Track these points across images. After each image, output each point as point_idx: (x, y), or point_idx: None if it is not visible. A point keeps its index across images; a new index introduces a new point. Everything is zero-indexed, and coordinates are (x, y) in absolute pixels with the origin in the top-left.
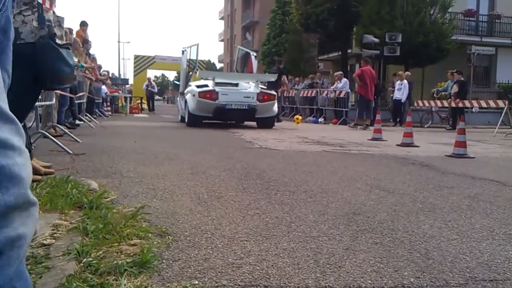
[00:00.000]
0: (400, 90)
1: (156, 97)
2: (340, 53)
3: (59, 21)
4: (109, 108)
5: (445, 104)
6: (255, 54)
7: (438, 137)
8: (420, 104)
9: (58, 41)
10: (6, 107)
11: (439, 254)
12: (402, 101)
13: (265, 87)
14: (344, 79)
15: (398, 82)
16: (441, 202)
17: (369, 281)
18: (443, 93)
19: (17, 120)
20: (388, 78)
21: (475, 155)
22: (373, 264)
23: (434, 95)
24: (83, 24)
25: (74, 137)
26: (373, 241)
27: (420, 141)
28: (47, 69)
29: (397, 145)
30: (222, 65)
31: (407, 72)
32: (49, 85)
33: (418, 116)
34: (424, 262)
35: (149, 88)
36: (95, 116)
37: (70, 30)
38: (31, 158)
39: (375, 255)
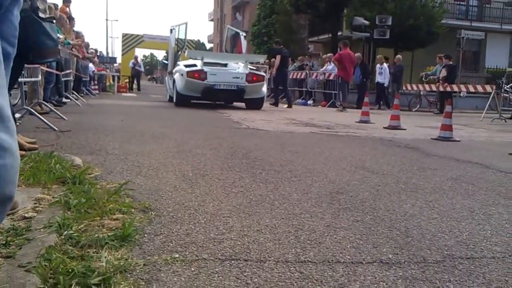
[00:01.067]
0: (382, 74)
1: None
2: (330, 35)
3: None
4: (96, 87)
5: (434, 88)
6: (244, 34)
7: (425, 120)
8: (409, 88)
9: (41, 14)
10: (5, 103)
11: (418, 232)
12: (385, 84)
13: (255, 68)
14: None
15: (378, 65)
16: (424, 183)
17: (348, 257)
18: (431, 77)
19: (11, 117)
20: (376, 62)
21: (461, 138)
22: (353, 241)
23: (423, 79)
24: (67, 1)
25: (60, 114)
26: (354, 219)
27: (407, 124)
28: (30, 42)
29: (384, 127)
30: (211, 45)
31: (398, 56)
32: (32, 59)
33: (407, 99)
34: (403, 239)
35: (135, 67)
36: (82, 94)
37: (56, 6)
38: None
39: (355, 232)
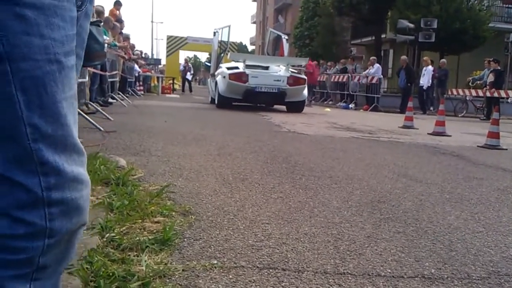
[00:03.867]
0: (424, 77)
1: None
2: (373, 38)
3: None
4: (141, 88)
5: (480, 93)
6: (286, 37)
7: (471, 127)
8: (454, 92)
9: None
10: (76, 136)
11: (462, 246)
12: (424, 87)
13: (296, 71)
14: (377, 65)
15: (424, 68)
16: (469, 194)
17: (389, 270)
18: (478, 82)
19: (82, 148)
20: (421, 65)
21: (508, 147)
22: (394, 253)
23: (470, 83)
24: (117, 4)
25: (106, 114)
26: (396, 230)
27: (453, 130)
28: None
29: (429, 133)
30: (253, 47)
31: (442, 60)
32: None
33: (452, 104)
34: (446, 253)
35: (185, 69)
36: (127, 95)
37: (103, 8)
38: None
39: (397, 244)
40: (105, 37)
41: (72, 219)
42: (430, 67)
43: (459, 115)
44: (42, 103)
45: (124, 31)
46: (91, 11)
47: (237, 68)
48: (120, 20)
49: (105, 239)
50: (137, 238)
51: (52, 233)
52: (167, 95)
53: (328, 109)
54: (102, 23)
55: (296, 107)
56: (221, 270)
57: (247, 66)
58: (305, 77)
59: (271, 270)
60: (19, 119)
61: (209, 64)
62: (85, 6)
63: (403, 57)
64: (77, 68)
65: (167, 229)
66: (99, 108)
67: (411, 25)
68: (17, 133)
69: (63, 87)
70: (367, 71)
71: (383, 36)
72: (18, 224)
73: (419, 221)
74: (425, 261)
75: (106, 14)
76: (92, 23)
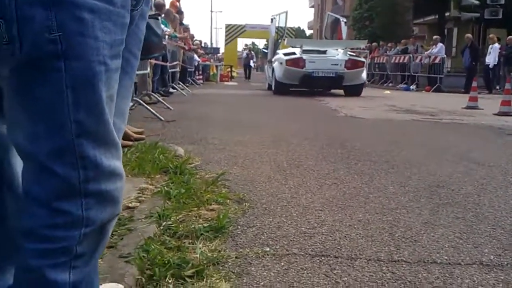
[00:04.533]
0: (490, 55)
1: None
2: (436, 16)
3: None
4: (201, 77)
5: None
6: (345, 20)
7: None
8: None
9: None
10: (123, 125)
11: None
12: (490, 66)
13: (354, 54)
14: (440, 44)
15: (490, 46)
16: None
17: (445, 257)
18: None
19: (118, 142)
20: (487, 43)
21: None
22: (452, 240)
23: None
24: None
25: (167, 104)
26: (455, 215)
27: None
28: None
29: (494, 114)
30: (311, 31)
31: (510, 36)
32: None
33: None
34: (507, 239)
35: (248, 57)
36: (187, 84)
37: (164, 1)
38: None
39: (455, 230)
40: (166, 28)
41: (106, 209)
42: (497, 45)
43: None
44: (88, 101)
45: (184, 22)
46: (147, 12)
47: (294, 53)
48: (180, 12)
49: (162, 227)
50: (193, 226)
51: (88, 222)
52: (225, 83)
53: (388, 92)
54: (161, 16)
55: (354, 91)
56: (273, 258)
57: (304, 51)
58: (364, 60)
59: (323, 258)
60: (66, 115)
61: (266, 51)
62: (140, 6)
63: (468, 35)
64: (134, 67)
65: (221, 217)
66: (160, 99)
67: (477, 2)
68: (62, 127)
69: (107, 87)
70: (429, 51)
71: (446, 14)
72: (57, 214)
73: (479, 205)
74: (484, 248)
75: (167, 6)
76: (150, 17)
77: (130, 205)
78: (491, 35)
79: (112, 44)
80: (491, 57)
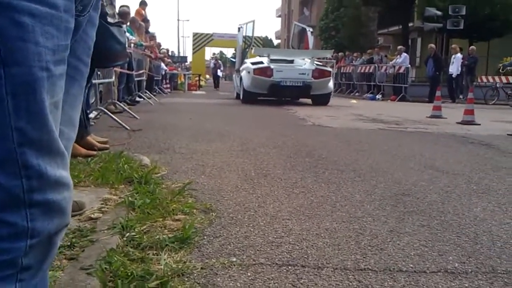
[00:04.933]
0: (453, 64)
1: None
2: (400, 26)
3: (111, 0)
4: (168, 85)
5: (511, 80)
6: (311, 30)
7: (502, 114)
8: (484, 80)
9: (109, 19)
10: (60, 141)
11: (488, 239)
12: (453, 75)
13: (321, 64)
14: (404, 54)
15: (452, 56)
16: (497, 184)
17: (411, 265)
18: (509, 68)
19: (64, 151)
20: (450, 53)
21: None
22: (417, 248)
23: (500, 70)
24: (143, 3)
25: (133, 113)
26: (420, 223)
27: (482, 119)
28: (99, 47)
29: (457, 123)
30: (279, 41)
31: (472, 47)
32: (101, 63)
33: (482, 92)
34: (471, 247)
35: (216, 67)
36: (154, 93)
37: (129, 9)
38: (88, 134)
39: (421, 238)
40: (131, 37)
41: (53, 220)
42: (459, 55)
43: (490, 103)
44: (30, 109)
45: (150, 30)
46: (96, 19)
47: (261, 63)
48: (146, 20)
49: (125, 239)
50: (157, 237)
51: (34, 233)
52: (193, 92)
53: (354, 101)
54: (125, 24)
55: (321, 100)
56: (240, 268)
57: (272, 61)
58: (330, 70)
59: (290, 267)
60: (7, 123)
61: (234, 60)
62: (87, 12)
63: (431, 45)
64: (84, 75)
65: (187, 227)
66: (126, 108)
67: (439, 13)
68: (3, 136)
69: (50, 94)
70: (394, 61)
71: (410, 24)
72: (1, 225)
73: (444, 213)
74: (449, 255)
75: (132, 14)
76: (113, 24)
77: (92, 216)
78: (453, 46)
79: (55, 49)
80: (454, 67)
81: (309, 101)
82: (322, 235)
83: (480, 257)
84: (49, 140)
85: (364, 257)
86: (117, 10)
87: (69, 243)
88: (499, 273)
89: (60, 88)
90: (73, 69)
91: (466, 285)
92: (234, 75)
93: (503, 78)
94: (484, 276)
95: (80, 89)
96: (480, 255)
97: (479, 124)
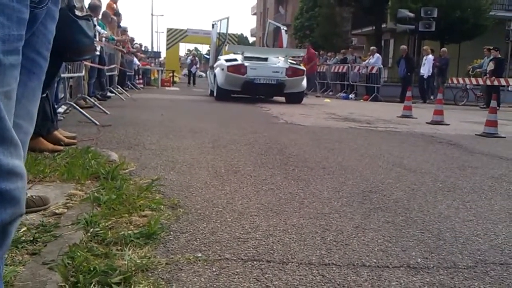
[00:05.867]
0: (425, 66)
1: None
2: (374, 27)
3: None
4: (141, 81)
5: (481, 82)
6: (285, 28)
7: (471, 115)
8: (455, 81)
9: (77, 12)
10: (13, 130)
11: (451, 235)
12: (424, 76)
13: (295, 62)
14: (377, 55)
15: (424, 57)
16: (463, 182)
17: (374, 260)
18: (478, 70)
19: (18, 140)
20: (422, 54)
21: (507, 135)
22: (381, 243)
23: (470, 72)
24: None
25: (103, 108)
26: (385, 220)
27: (452, 119)
28: (66, 41)
29: (427, 123)
30: (254, 39)
31: (443, 49)
32: (69, 56)
33: (452, 93)
34: (434, 243)
35: (192, 63)
36: (126, 88)
37: (100, 2)
38: (55, 129)
39: (385, 234)
40: (103, 31)
41: (6, 210)
42: (431, 56)
43: (460, 104)
44: None
45: (124, 24)
46: (55, 13)
47: (235, 60)
48: (117, 14)
49: (89, 234)
50: (122, 233)
51: None
52: (167, 88)
53: (328, 100)
54: (94, 18)
55: (295, 98)
56: (205, 263)
57: (246, 58)
58: (304, 68)
59: (255, 262)
60: None
61: (208, 57)
62: (45, 5)
63: (403, 46)
64: (42, 69)
65: (153, 223)
66: (96, 103)
67: (411, 15)
68: None
69: (0, 84)
70: (367, 61)
71: (383, 26)
72: None
73: (409, 210)
74: (412, 251)
75: (104, 8)
76: (81, 18)
77: (57, 211)
78: (424, 47)
79: (6, 39)
80: (425, 68)
81: (283, 99)
82: (288, 231)
83: (442, 253)
84: (0, 129)
85: (329, 253)
86: (87, 2)
87: (31, 238)
88: (460, 268)
89: (12, 78)
90: (30, 62)
91: (428, 279)
92: (208, 72)
93: (473, 80)
94: (446, 271)
95: (39, 83)
96: (443, 251)
97: (448, 124)
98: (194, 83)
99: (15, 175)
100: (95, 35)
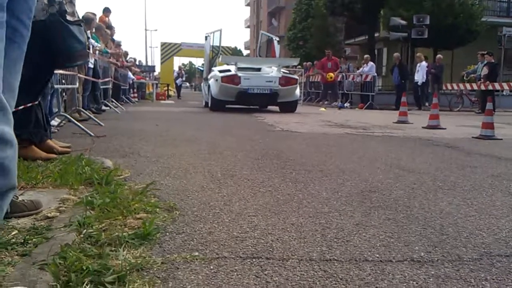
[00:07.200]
0: (418, 73)
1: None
2: (367, 36)
3: None
4: (135, 95)
5: (475, 87)
6: (277, 39)
7: (466, 120)
8: (449, 87)
9: (69, 17)
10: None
11: (454, 230)
12: (419, 83)
13: (288, 72)
14: (371, 63)
15: (417, 64)
16: (463, 181)
17: (377, 255)
18: (472, 75)
19: (6, 104)
20: (415, 61)
21: (503, 137)
22: (383, 239)
23: (464, 78)
24: (106, 11)
25: (97, 120)
26: (386, 217)
27: (448, 124)
28: (58, 46)
29: (423, 127)
30: (248, 51)
31: (438, 55)
32: (62, 61)
33: (447, 99)
34: (437, 237)
35: (178, 76)
36: (121, 102)
37: (94, 14)
38: (48, 138)
39: (386, 230)
40: (96, 44)
41: None
42: (424, 63)
43: (455, 110)
44: None
45: (119, 39)
46: None
47: (229, 70)
48: (110, 27)
49: (82, 236)
50: (116, 234)
51: None
52: (162, 102)
53: (323, 109)
54: (91, 31)
55: (289, 107)
56: (202, 262)
57: (239, 69)
58: (297, 77)
59: (254, 260)
60: None
61: (202, 69)
62: None
63: (396, 54)
64: (24, 38)
65: (148, 224)
66: (91, 115)
67: (404, 22)
68: None
69: None
70: (361, 69)
71: (376, 34)
72: None
73: (410, 208)
74: (415, 245)
75: (97, 21)
76: (73, 23)
77: (49, 215)
78: (418, 54)
79: None
80: (419, 75)
81: (277, 109)
82: (288, 229)
83: (446, 247)
84: None
85: (329, 249)
86: (77, 9)
87: (22, 240)
88: (465, 261)
89: None
90: (12, 30)
91: (432, 272)
92: (202, 84)
93: (468, 85)
94: (450, 264)
95: (21, 53)
96: (446, 245)
97: (445, 129)
98: (178, 96)
99: (4, 143)
100: (88, 47)
